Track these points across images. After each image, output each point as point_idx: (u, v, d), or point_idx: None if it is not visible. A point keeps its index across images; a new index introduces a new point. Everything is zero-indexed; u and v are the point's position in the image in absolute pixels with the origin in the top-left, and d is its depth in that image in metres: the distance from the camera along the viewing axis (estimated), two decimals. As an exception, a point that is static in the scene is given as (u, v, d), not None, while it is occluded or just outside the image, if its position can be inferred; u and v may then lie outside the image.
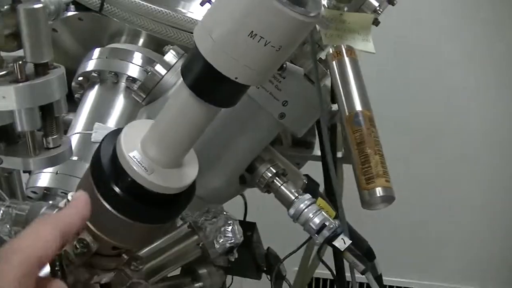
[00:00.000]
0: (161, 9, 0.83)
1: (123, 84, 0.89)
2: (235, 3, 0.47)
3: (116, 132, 0.59)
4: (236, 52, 0.48)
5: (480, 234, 2.14)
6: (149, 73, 0.73)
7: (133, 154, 0.56)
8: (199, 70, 0.50)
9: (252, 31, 0.46)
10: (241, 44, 0.47)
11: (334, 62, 0.62)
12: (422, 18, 1.93)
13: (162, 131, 0.56)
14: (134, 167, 0.56)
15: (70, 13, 0.94)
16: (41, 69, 0.69)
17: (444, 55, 1.99)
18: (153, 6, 0.83)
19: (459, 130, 2.05)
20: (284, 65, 0.56)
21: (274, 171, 0.75)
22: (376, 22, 0.73)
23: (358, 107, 0.61)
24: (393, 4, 0.74)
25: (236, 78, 0.49)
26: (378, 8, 0.69)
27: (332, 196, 0.77)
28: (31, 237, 0.49)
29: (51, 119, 0.70)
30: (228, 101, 0.52)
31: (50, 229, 0.49)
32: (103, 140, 0.59)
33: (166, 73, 0.73)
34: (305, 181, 0.78)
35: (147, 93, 0.73)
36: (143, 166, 0.56)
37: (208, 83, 0.51)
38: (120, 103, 0.89)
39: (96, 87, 0.91)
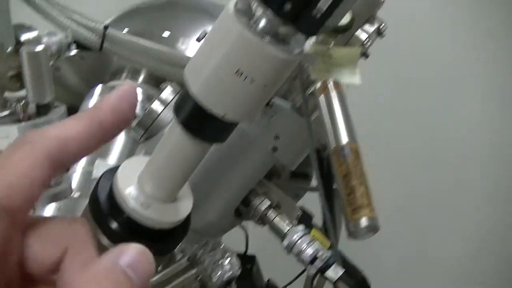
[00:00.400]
0: (159, 47, 0.85)
1: (123, 120, 0.91)
2: (221, 43, 0.49)
3: (114, 169, 0.61)
4: (223, 90, 0.49)
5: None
6: (146, 110, 0.76)
7: (130, 190, 0.58)
8: (190, 107, 0.52)
9: (238, 70, 0.48)
10: (228, 83, 0.49)
11: (321, 96, 0.65)
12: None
13: (156, 167, 0.58)
14: (130, 203, 0.57)
15: (72, 52, 0.97)
16: (43, 109, 0.71)
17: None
18: (151, 44, 0.86)
19: (460, 143, 2.04)
20: (271, 101, 0.58)
21: (268, 204, 0.77)
22: (366, 55, 0.75)
23: (345, 140, 0.63)
24: (381, 37, 0.76)
25: (224, 115, 0.50)
26: (366, 41, 0.71)
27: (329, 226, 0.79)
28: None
29: (52, 157, 0.72)
30: (218, 137, 0.54)
31: (29, 153, 0.31)
32: (101, 177, 0.61)
33: (163, 110, 0.75)
34: (299, 212, 0.80)
35: (145, 130, 0.76)
36: (139, 202, 0.58)
37: (198, 120, 0.52)
38: (121, 139, 0.91)
39: (98, 123, 0.93)
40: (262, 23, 0.47)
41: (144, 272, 0.31)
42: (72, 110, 0.94)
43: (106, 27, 0.85)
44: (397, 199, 2.00)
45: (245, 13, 0.48)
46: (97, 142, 0.35)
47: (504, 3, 1.87)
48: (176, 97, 0.76)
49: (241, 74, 0.48)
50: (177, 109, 0.55)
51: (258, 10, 0.48)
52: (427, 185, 2.04)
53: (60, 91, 1.05)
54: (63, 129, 0.33)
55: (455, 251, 2.10)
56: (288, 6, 0.46)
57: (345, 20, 0.64)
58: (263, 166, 0.77)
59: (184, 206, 0.61)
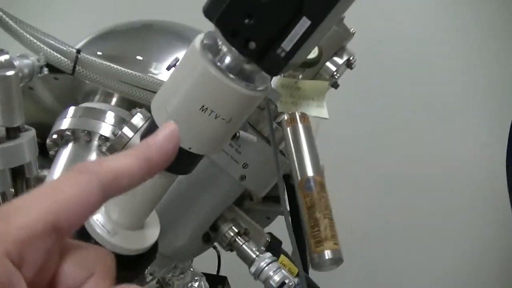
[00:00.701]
0: (131, 72, 0.86)
1: (95, 142, 0.91)
2: (186, 78, 0.50)
3: None
4: (189, 125, 0.50)
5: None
6: (117, 135, 0.76)
7: (97, 217, 0.59)
8: None
9: (203, 105, 0.49)
10: (193, 118, 0.50)
11: (288, 129, 0.66)
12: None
13: (123, 196, 0.59)
14: (97, 230, 0.58)
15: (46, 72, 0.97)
16: (13, 133, 0.72)
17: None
18: (123, 69, 0.86)
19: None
20: (238, 134, 0.59)
21: (236, 230, 0.78)
22: (335, 85, 0.77)
23: (310, 173, 0.64)
24: (351, 68, 0.77)
25: (190, 148, 0.51)
26: (335, 73, 0.73)
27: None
28: (49, 189, 0.33)
29: (21, 180, 0.73)
30: (183, 169, 0.55)
31: (84, 180, 0.33)
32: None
33: (133, 135, 0.75)
34: (267, 239, 0.81)
35: (115, 155, 0.76)
36: (106, 229, 0.58)
37: None
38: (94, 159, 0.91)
39: (70, 145, 0.93)
40: (227, 60, 0.49)
41: None
42: (46, 128, 0.94)
43: (78, 51, 0.86)
44: (381, 220, 2.00)
45: (211, 50, 0.49)
46: (143, 178, 0.37)
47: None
48: (146, 124, 0.77)
49: (206, 110, 0.50)
50: (144, 139, 0.56)
51: (224, 48, 0.49)
52: (413, 206, 2.02)
53: (34, 109, 1.05)
54: (117, 163, 0.36)
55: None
56: (252, 45, 0.47)
57: (313, 54, 0.65)
58: (231, 194, 0.78)
59: (151, 233, 0.62)
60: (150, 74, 0.92)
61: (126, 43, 1.05)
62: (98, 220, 0.59)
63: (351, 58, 0.74)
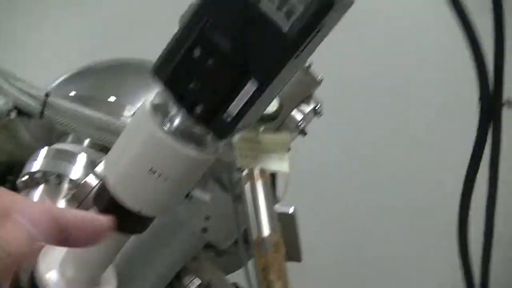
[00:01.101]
0: (99, 117, 0.85)
1: (66, 185, 0.90)
2: (135, 139, 0.49)
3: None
4: (138, 187, 0.49)
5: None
6: (81, 184, 0.75)
7: (50, 274, 0.57)
8: (106, 201, 0.52)
9: (151, 168, 0.48)
10: (142, 180, 0.49)
11: (246, 185, 0.64)
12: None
13: (77, 254, 0.58)
14: None
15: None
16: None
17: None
18: (91, 113, 0.85)
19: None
20: (190, 194, 0.58)
21: (198, 283, 0.76)
22: (303, 133, 0.76)
23: (266, 232, 0.62)
24: (318, 116, 0.76)
25: (139, 210, 0.50)
26: (299, 124, 0.72)
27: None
28: None
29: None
30: (135, 229, 0.54)
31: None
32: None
33: (97, 184, 0.74)
34: (232, 289, 0.79)
35: (79, 204, 0.75)
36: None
37: (114, 213, 0.52)
38: (62, 205, 0.90)
39: (41, 187, 0.92)
40: (176, 122, 0.48)
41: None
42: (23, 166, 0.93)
43: (47, 95, 0.85)
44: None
45: (162, 110, 0.49)
46: (54, 243, 0.37)
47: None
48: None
49: (155, 172, 0.48)
50: (95, 201, 0.55)
51: (173, 109, 0.48)
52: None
53: (12, 147, 1.05)
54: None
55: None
56: (199, 108, 0.46)
57: (272, 108, 0.65)
58: (192, 247, 0.76)
59: None
60: (123, 118, 0.91)
61: (101, 83, 1.04)
62: (51, 277, 0.57)
63: (317, 107, 0.73)
